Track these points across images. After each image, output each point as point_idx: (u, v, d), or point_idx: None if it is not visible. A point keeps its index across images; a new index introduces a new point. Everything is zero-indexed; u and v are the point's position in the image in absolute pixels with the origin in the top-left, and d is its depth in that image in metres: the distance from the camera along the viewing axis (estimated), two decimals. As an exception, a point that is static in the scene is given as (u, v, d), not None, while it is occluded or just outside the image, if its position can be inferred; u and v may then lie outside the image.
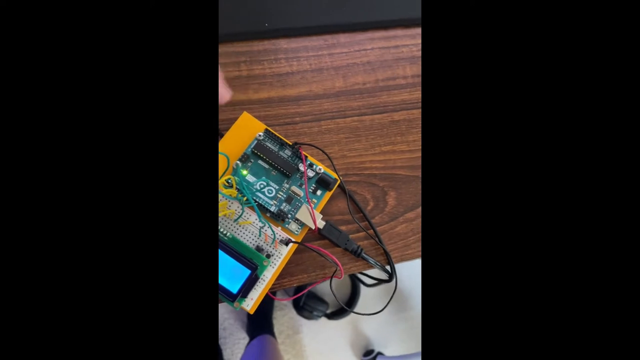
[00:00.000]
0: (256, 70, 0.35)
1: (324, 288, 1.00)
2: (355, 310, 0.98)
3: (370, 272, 0.69)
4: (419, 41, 0.38)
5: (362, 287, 0.99)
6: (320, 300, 0.94)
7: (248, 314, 0.96)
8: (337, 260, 0.28)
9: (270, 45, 0.36)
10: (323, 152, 0.33)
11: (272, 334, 0.92)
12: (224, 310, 0.98)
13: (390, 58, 0.37)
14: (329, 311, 0.96)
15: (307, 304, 0.92)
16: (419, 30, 0.38)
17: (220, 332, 0.96)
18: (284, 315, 0.99)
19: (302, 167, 0.31)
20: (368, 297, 1.00)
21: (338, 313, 0.97)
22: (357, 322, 1.01)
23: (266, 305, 0.96)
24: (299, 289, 0.90)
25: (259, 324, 0.93)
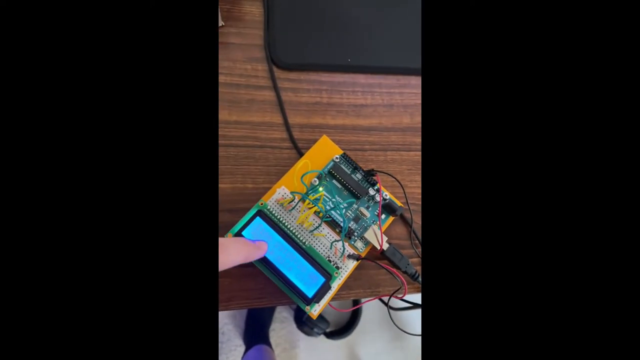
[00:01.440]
0: (335, 98, 0.39)
1: (326, 307, 1.02)
2: (354, 333, 1.00)
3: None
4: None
5: (363, 310, 1.01)
6: (322, 318, 0.96)
7: (246, 322, 0.97)
8: (403, 279, 0.30)
9: (349, 78, 0.40)
10: (397, 180, 0.36)
11: (269, 344, 0.93)
12: (224, 315, 0.99)
13: (453, 103, 0.41)
14: (328, 330, 0.97)
15: (309, 320, 0.94)
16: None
17: (219, 337, 0.97)
18: (283, 329, 1.01)
19: (371, 192, 0.35)
20: (367, 321, 1.02)
21: (337, 333, 0.98)
22: (354, 345, 1.03)
23: (266, 316, 0.97)
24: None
25: (257, 333, 0.94)
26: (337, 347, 1.01)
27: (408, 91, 0.40)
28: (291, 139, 0.36)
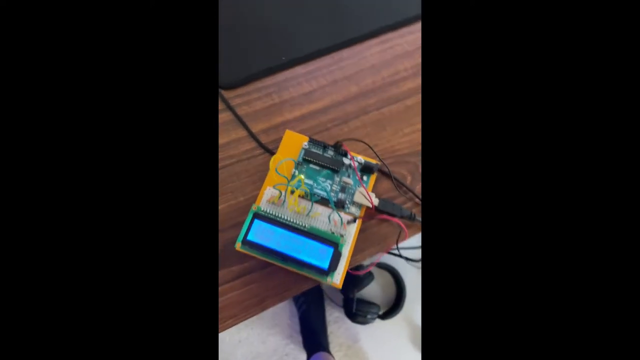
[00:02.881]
0: (285, 95, 0.42)
1: (370, 292, 1.04)
2: (406, 305, 1.01)
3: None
4: (409, 38, 0.45)
5: (406, 281, 1.03)
6: (371, 304, 0.98)
7: (302, 334, 0.99)
8: (401, 223, 0.33)
9: (290, 73, 0.43)
10: (361, 141, 0.38)
11: (327, 350, 0.95)
12: (283, 337, 1.01)
13: (389, 57, 0.44)
14: (381, 312, 0.99)
15: (359, 310, 0.96)
16: (406, 29, 0.45)
17: (284, 359, 0.99)
18: (339, 328, 1.03)
19: (346, 161, 0.37)
20: (413, 289, 1.04)
21: (390, 312, 1.00)
22: (410, 315, 1.04)
23: (317, 323, 0.99)
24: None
25: (313, 342, 0.96)
26: (396, 324, 1.03)
27: (345, 63, 0.44)
28: (260, 145, 0.39)
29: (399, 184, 0.39)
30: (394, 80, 0.43)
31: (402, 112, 0.42)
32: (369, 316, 0.96)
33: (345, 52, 0.44)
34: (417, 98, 0.43)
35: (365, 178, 0.38)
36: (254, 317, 0.40)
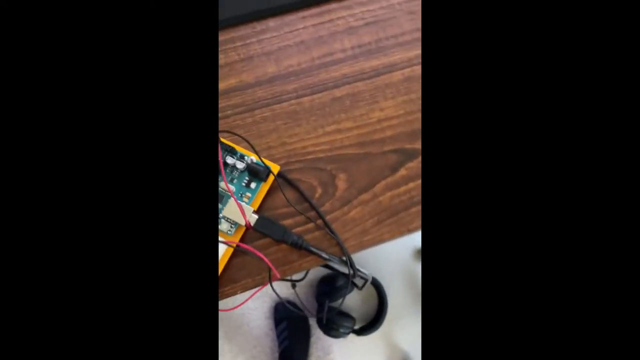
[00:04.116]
0: (182, 70, 0.33)
1: (349, 302, 0.95)
2: (387, 320, 0.92)
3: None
4: (356, 10, 0.35)
5: (389, 294, 0.93)
6: (346, 316, 0.89)
7: None
8: (264, 257, 0.24)
9: (195, 42, 0.34)
10: (235, 134, 0.29)
11: None
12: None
13: (326, 33, 0.34)
14: (357, 327, 0.90)
15: (332, 321, 0.87)
16: (355, 0, 0.35)
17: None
18: (312, 336, 0.95)
19: (229, 160, 0.28)
20: (396, 305, 0.94)
21: (366, 328, 0.91)
22: (389, 334, 0.95)
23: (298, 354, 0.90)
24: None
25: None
26: (373, 341, 0.93)
27: (268, 36, 0.34)
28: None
29: (301, 198, 0.29)
30: (325, 63, 0.33)
31: (327, 105, 0.32)
32: (342, 330, 0.88)
33: (272, 22, 0.35)
34: (352, 88, 0.33)
35: (253, 185, 0.29)
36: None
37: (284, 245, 0.28)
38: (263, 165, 0.28)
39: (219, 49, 0.34)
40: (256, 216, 0.27)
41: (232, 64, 0.33)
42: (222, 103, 0.32)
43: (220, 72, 0.33)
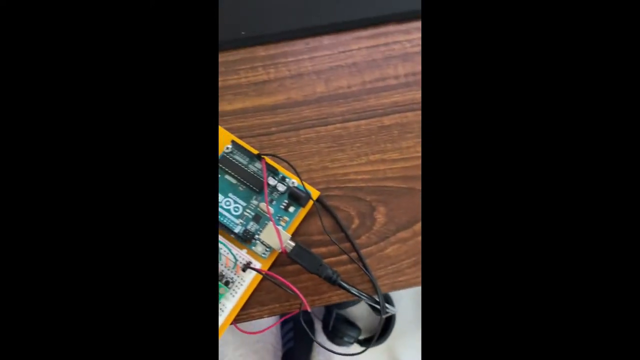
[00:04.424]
0: (230, 80, 0.33)
1: (355, 311, 0.94)
2: (392, 336, 0.91)
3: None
4: (414, 36, 0.34)
5: (397, 308, 0.92)
6: (352, 325, 0.88)
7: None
8: (297, 291, 0.24)
9: (247, 54, 0.33)
10: (279, 158, 0.28)
11: None
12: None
13: (380, 57, 0.33)
14: (361, 337, 0.90)
15: (337, 328, 0.87)
16: (414, 25, 0.34)
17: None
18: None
19: (271, 181, 0.28)
20: (403, 321, 0.93)
21: (371, 340, 0.90)
22: (393, 348, 0.94)
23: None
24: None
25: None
26: (377, 355, 0.93)
27: (320, 54, 0.33)
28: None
29: (337, 227, 0.29)
30: (376, 88, 0.32)
31: (374, 132, 0.31)
32: (345, 338, 0.87)
33: (326, 40, 0.34)
34: (401, 117, 0.32)
35: (292, 209, 0.28)
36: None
37: (314, 275, 0.28)
38: (305, 190, 0.27)
39: (269, 63, 0.33)
40: (293, 244, 0.26)
41: (282, 79, 0.33)
42: (267, 119, 0.32)
43: (270, 86, 0.32)
